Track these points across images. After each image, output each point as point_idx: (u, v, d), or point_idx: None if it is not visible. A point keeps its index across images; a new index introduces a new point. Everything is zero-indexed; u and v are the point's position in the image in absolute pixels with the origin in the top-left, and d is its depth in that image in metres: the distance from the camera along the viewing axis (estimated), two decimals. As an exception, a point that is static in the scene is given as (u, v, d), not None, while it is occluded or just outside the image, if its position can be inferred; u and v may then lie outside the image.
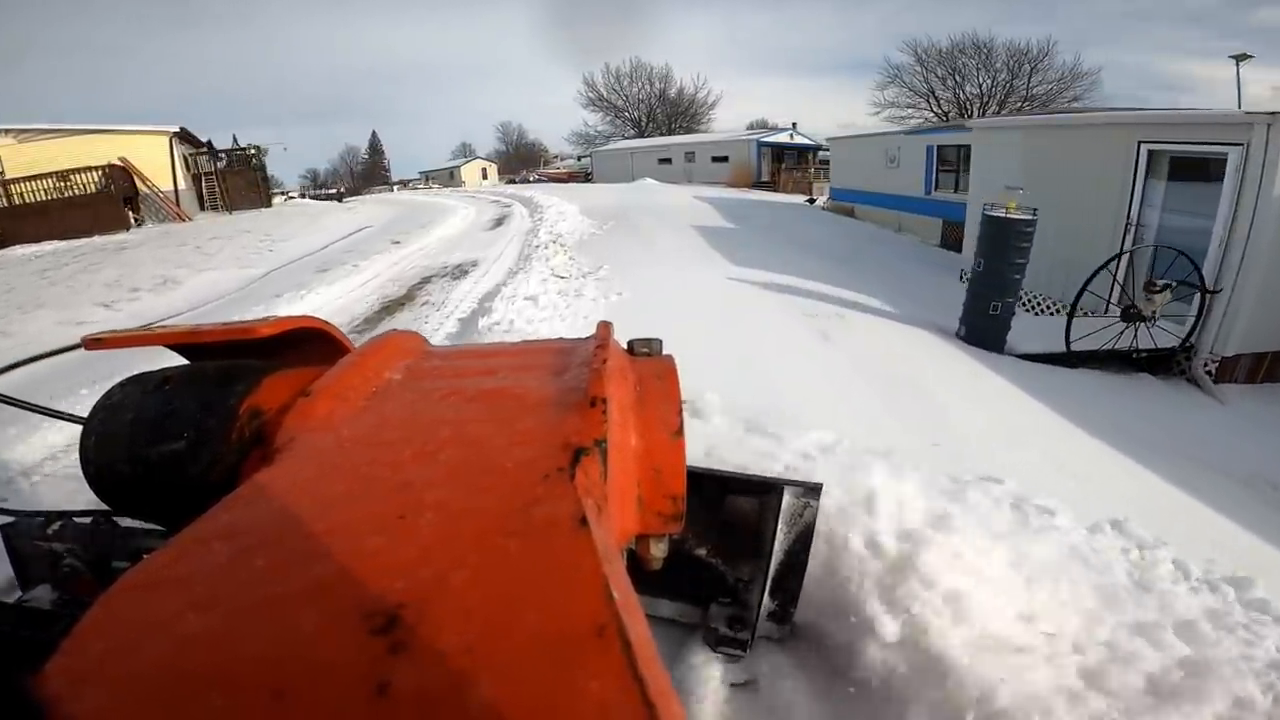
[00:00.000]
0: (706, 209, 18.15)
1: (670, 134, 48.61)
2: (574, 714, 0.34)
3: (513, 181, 47.01)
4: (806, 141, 35.21)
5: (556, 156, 60.91)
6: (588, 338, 0.96)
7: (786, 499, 1.60)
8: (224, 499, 0.58)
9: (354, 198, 43.20)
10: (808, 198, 23.19)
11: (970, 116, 44.10)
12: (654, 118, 52.94)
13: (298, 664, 0.38)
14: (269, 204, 26.71)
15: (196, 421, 0.86)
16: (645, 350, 1.00)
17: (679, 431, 0.82)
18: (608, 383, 0.74)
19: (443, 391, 0.81)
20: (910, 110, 45.66)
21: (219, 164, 25.38)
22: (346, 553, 0.48)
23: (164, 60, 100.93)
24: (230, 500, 0.58)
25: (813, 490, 1.61)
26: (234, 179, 25.12)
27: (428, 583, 0.44)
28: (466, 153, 67.36)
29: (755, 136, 33.57)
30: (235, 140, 27.52)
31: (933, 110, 45.47)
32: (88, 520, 1.15)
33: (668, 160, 37.03)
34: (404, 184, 63.67)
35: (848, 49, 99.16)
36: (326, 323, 1.16)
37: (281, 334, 1.04)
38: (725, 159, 33.75)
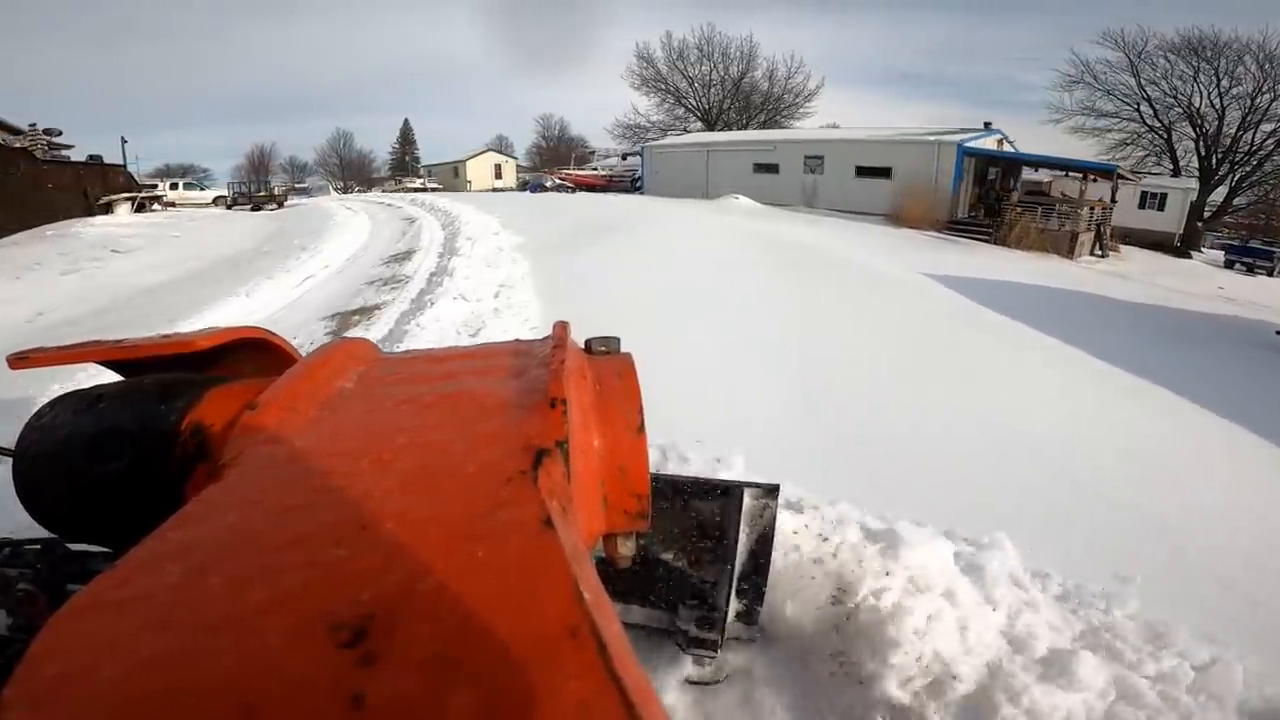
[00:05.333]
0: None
1: (747, 127, 34.20)
2: (553, 716, 0.34)
3: (526, 185, 33.06)
4: (1013, 151, 20.54)
5: (593, 153, 46.46)
6: (545, 338, 0.93)
7: (747, 501, 1.63)
8: (171, 517, 0.55)
9: (321, 197, 32.01)
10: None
11: (1213, 135, 29.12)
12: (723, 109, 38.63)
13: (265, 682, 0.37)
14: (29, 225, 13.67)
15: (136, 439, 0.83)
16: (604, 349, 0.96)
17: (641, 429, 0.81)
18: (567, 383, 0.73)
19: (398, 398, 0.79)
20: (1110, 119, 31.00)
21: None
22: (306, 566, 0.47)
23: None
24: (178, 518, 0.55)
25: (771, 491, 1.66)
26: None
27: (395, 592, 0.43)
28: (503, 146, 53.79)
29: (955, 137, 18.88)
30: None
31: (1145, 123, 30.67)
32: (36, 545, 1.07)
33: (770, 167, 22.57)
34: (398, 180, 50.67)
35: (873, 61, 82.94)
36: (270, 332, 1.12)
37: (222, 345, 1.01)
38: (885, 172, 19.20)
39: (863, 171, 19.82)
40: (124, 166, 21.52)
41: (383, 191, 38.04)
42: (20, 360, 0.97)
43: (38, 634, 0.41)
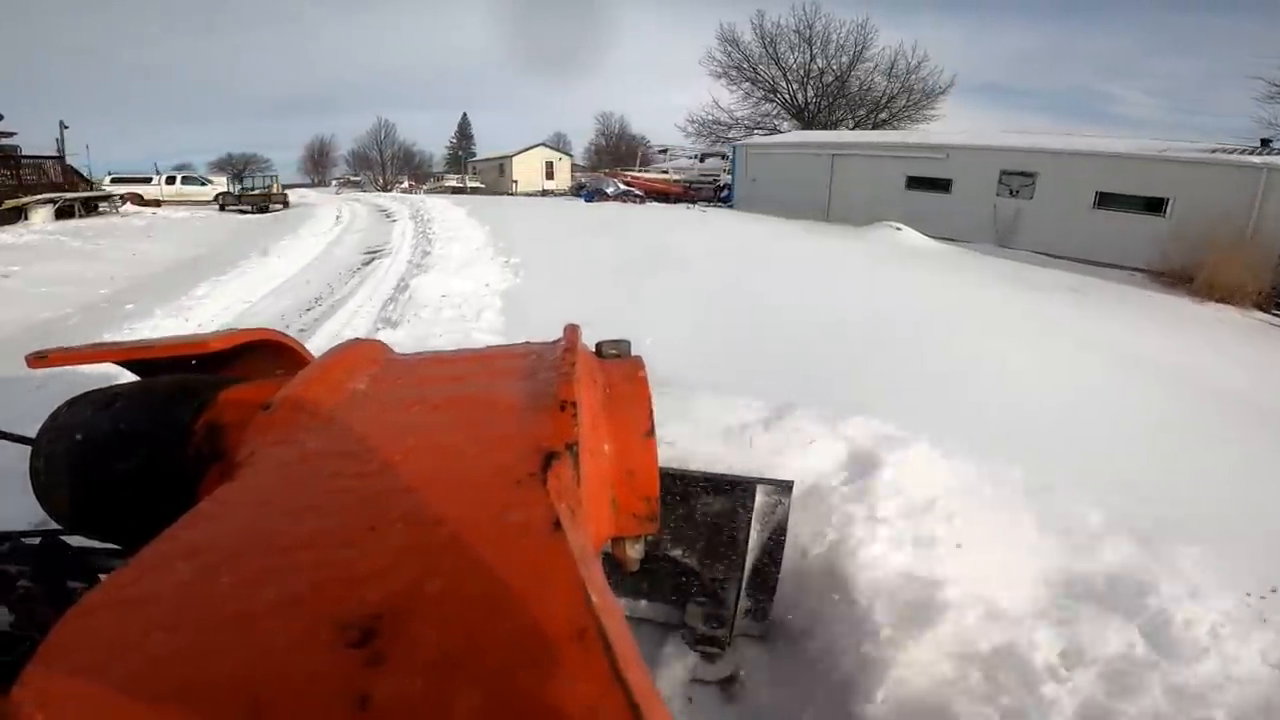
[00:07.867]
0: None
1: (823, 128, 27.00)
2: (560, 718, 0.34)
3: (580, 189, 26.85)
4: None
5: (663, 151, 39.77)
6: (555, 341, 0.93)
7: (759, 498, 1.61)
8: (183, 516, 0.56)
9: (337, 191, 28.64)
10: None
11: None
12: (820, 106, 31.54)
13: (274, 681, 0.38)
14: None
15: (150, 438, 0.83)
16: (614, 352, 0.95)
17: (650, 432, 0.81)
18: (577, 386, 0.72)
19: (409, 400, 0.79)
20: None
21: None
22: (316, 566, 0.47)
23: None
24: (190, 517, 0.56)
25: (784, 488, 1.63)
26: None
27: (403, 593, 0.43)
28: (560, 143, 47.93)
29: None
30: None
31: None
32: (36, 541, 1.08)
33: (936, 184, 15.59)
34: (438, 178, 45.49)
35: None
36: (283, 334, 1.13)
37: (236, 346, 1.01)
38: (1156, 205, 12.03)
39: (1110, 201, 12.69)
40: (60, 158, 16.22)
41: (427, 191, 32.95)
42: (39, 359, 0.99)
43: (49, 631, 0.41)
